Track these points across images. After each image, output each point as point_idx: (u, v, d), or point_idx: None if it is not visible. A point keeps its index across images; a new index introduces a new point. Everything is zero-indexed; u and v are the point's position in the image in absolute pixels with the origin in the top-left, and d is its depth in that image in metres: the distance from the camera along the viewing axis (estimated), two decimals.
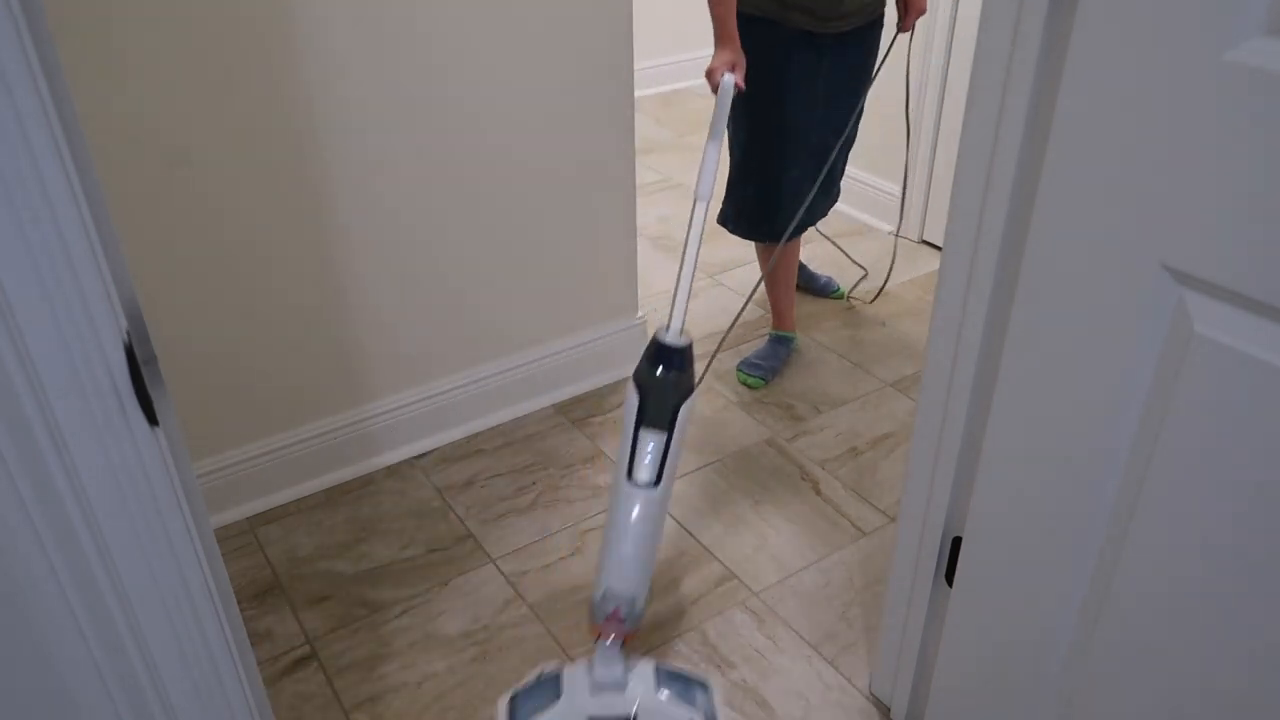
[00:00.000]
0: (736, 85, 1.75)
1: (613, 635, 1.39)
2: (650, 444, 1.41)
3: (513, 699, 1.40)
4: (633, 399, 1.44)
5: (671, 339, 1.45)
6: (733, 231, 2.22)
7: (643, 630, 1.60)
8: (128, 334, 0.67)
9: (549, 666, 1.44)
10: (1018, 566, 1.08)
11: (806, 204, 2.02)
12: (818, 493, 1.92)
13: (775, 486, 1.93)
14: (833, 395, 2.21)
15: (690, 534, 1.81)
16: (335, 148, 1.68)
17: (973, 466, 1.12)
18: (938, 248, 2.82)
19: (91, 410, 0.63)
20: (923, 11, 2.03)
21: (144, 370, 0.68)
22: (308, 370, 1.84)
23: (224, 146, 1.58)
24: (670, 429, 1.42)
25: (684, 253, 1.52)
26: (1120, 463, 0.92)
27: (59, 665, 0.68)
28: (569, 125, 1.93)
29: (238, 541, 1.81)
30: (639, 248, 2.19)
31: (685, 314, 1.49)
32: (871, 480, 1.95)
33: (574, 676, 1.40)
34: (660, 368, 1.45)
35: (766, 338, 2.37)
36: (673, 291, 1.50)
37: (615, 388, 2.24)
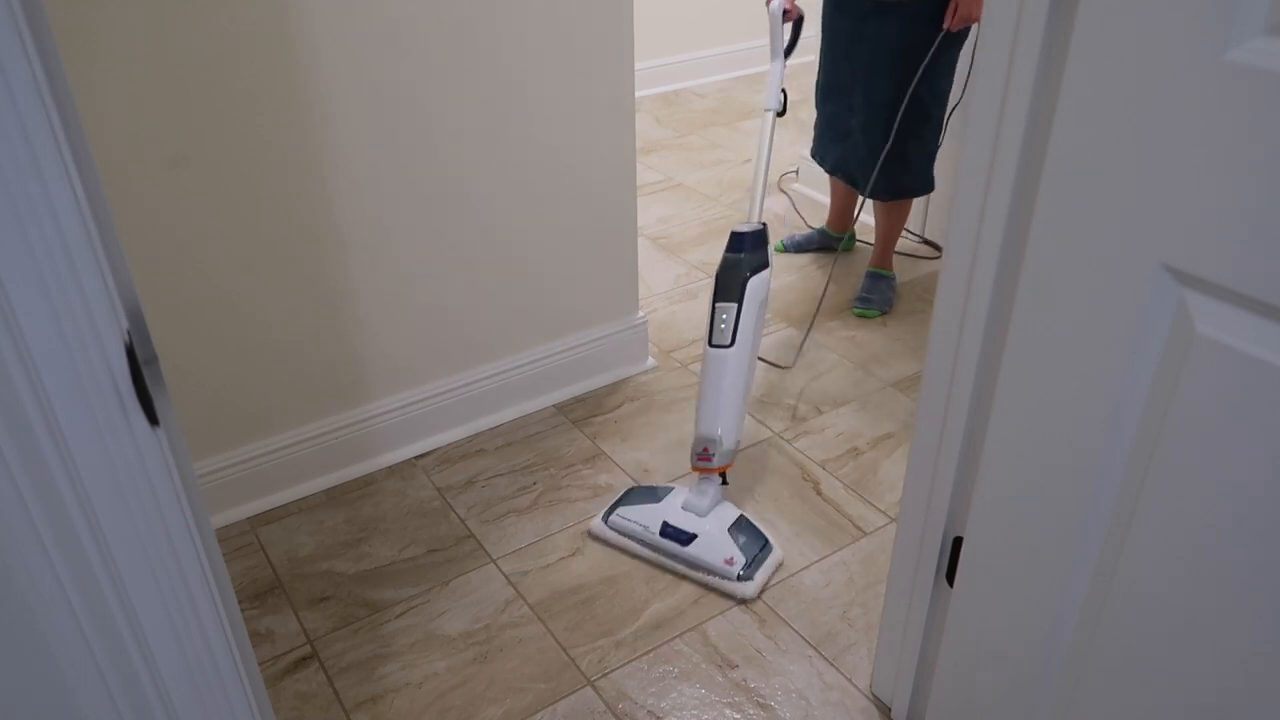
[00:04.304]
0: (786, 10, 1.95)
1: (703, 469, 1.75)
2: (724, 314, 1.74)
3: (628, 492, 1.84)
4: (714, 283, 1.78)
5: (743, 227, 1.78)
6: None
7: (643, 629, 1.61)
8: (128, 334, 0.67)
9: (665, 487, 1.85)
10: (1018, 566, 1.08)
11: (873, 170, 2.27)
12: (818, 493, 1.92)
13: (776, 486, 1.93)
14: (834, 395, 2.21)
15: None
16: (335, 148, 1.68)
17: (973, 466, 1.12)
18: (938, 247, 2.82)
19: (92, 410, 0.63)
20: (968, 18, 2.05)
21: (145, 370, 0.68)
22: (308, 370, 1.84)
23: (224, 147, 1.58)
24: (740, 299, 1.72)
25: (758, 157, 1.91)
26: (1121, 463, 0.92)
27: (59, 665, 0.68)
28: (569, 125, 1.93)
29: (238, 541, 1.81)
30: (639, 248, 2.19)
31: (760, 207, 1.84)
32: (872, 480, 1.95)
33: (677, 494, 1.80)
34: (730, 251, 1.77)
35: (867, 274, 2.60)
36: (752, 190, 1.88)
37: (615, 388, 2.24)
